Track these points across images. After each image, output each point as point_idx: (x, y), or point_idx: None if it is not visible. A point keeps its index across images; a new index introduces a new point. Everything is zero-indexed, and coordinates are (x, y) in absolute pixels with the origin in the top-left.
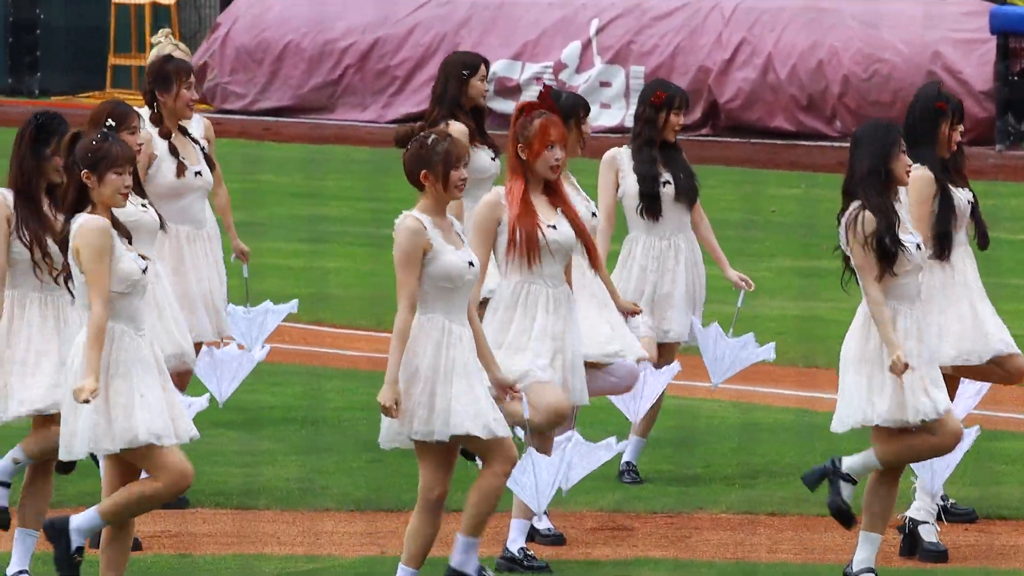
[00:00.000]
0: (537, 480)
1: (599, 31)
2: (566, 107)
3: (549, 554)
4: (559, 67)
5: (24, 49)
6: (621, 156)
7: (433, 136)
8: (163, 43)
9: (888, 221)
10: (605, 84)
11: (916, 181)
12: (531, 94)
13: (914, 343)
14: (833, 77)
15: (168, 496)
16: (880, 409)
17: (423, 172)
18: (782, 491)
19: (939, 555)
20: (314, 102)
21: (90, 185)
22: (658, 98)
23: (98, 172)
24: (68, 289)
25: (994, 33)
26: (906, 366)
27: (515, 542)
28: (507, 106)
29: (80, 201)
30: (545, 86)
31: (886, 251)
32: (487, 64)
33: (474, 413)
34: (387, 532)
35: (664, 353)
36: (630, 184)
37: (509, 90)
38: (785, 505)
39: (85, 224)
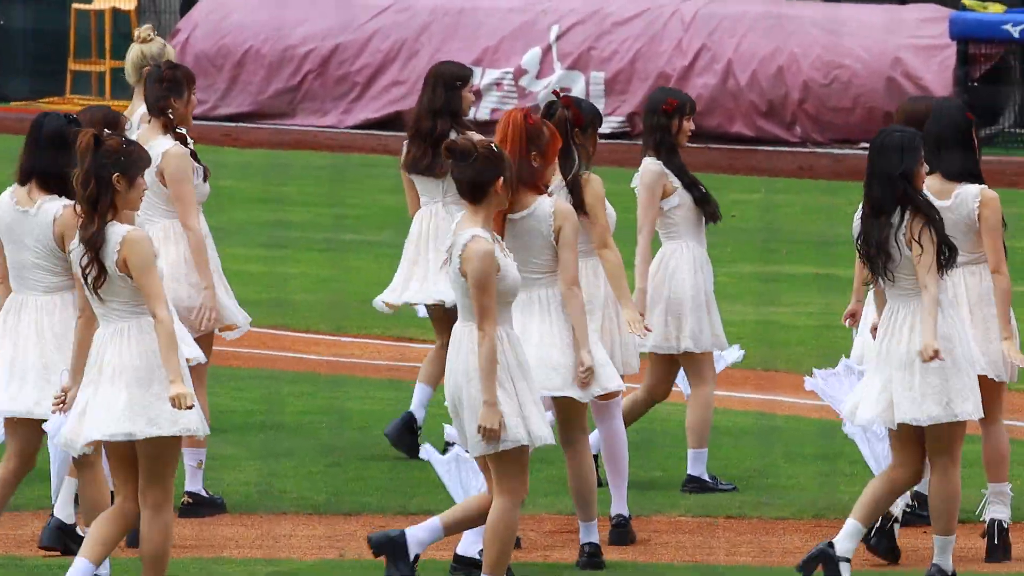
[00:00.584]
0: (463, 480)
1: (559, 37)
2: (587, 113)
3: None
4: (519, 73)
5: None
6: (664, 167)
7: (497, 146)
8: (154, 39)
9: (944, 229)
10: (565, 90)
11: (993, 202)
12: (491, 99)
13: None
14: (793, 83)
15: None
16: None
17: (500, 181)
18: (740, 495)
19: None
20: (274, 108)
21: (119, 189)
22: (670, 105)
23: (129, 175)
24: (97, 293)
25: (954, 39)
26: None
27: (475, 544)
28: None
29: (113, 205)
30: (561, 95)
31: (945, 256)
32: (472, 74)
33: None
34: (346, 535)
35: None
36: (684, 192)
37: None
38: (743, 508)
39: (132, 235)
